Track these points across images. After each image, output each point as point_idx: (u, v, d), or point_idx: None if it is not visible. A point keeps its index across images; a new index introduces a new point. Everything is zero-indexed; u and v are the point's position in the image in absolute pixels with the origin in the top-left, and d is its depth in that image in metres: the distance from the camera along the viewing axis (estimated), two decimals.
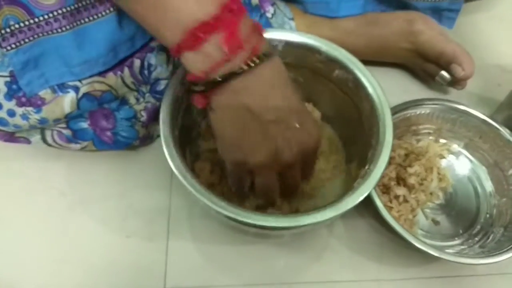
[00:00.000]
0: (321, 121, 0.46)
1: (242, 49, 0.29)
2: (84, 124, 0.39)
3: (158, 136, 0.46)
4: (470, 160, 0.48)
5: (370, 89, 0.38)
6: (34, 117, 0.35)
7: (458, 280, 0.42)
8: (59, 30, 0.33)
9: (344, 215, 0.34)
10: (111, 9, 0.34)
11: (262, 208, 0.40)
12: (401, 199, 0.44)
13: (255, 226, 0.32)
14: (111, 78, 0.37)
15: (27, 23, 0.32)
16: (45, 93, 0.35)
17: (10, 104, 0.35)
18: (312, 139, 0.34)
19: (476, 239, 0.44)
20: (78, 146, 0.40)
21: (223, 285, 0.41)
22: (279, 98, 0.32)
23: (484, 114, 0.46)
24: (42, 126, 0.37)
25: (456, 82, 0.50)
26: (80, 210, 0.43)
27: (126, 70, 0.37)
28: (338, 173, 0.44)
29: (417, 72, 0.54)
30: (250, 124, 0.32)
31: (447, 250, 0.41)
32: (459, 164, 0.48)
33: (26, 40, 0.33)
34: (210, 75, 0.30)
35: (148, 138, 0.44)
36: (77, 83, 0.35)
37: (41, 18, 0.32)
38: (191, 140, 0.42)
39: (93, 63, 0.35)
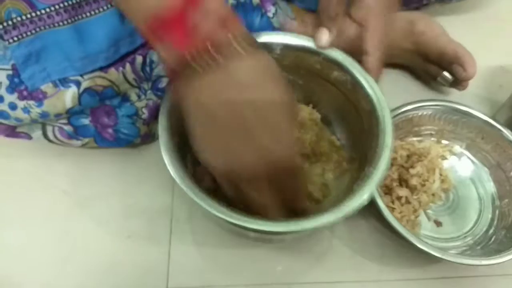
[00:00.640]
0: (321, 123, 0.45)
1: (200, 44, 0.27)
2: (86, 121, 0.39)
3: None
4: (472, 161, 0.48)
5: (368, 90, 0.38)
6: (36, 110, 0.35)
7: (460, 281, 0.42)
8: (61, 24, 0.34)
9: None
10: (113, 3, 0.34)
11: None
12: (403, 200, 0.43)
13: (255, 230, 0.31)
14: (113, 74, 0.37)
15: (29, 16, 0.33)
16: (46, 87, 0.35)
17: (12, 97, 0.35)
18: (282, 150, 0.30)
19: (478, 240, 0.43)
20: (79, 142, 0.40)
21: (225, 285, 0.40)
22: (258, 95, 0.28)
23: (486, 115, 0.46)
24: (43, 121, 0.37)
25: (457, 83, 0.50)
26: (82, 209, 0.43)
27: (128, 66, 0.38)
28: (341, 174, 0.43)
29: (418, 72, 0.54)
30: (210, 125, 0.29)
31: (449, 251, 0.40)
32: (461, 165, 0.48)
33: (28, 33, 0.33)
34: (181, 67, 0.28)
35: (149, 136, 0.44)
36: (79, 78, 0.35)
37: (43, 11, 0.33)
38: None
39: (95, 57, 0.35)
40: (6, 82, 0.34)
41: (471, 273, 0.42)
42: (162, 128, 0.34)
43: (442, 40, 0.48)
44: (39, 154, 0.45)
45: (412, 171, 0.44)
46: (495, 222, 0.44)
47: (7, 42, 0.33)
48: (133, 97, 0.40)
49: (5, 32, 0.32)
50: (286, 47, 0.39)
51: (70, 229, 0.42)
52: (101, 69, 0.36)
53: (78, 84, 0.35)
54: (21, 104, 0.35)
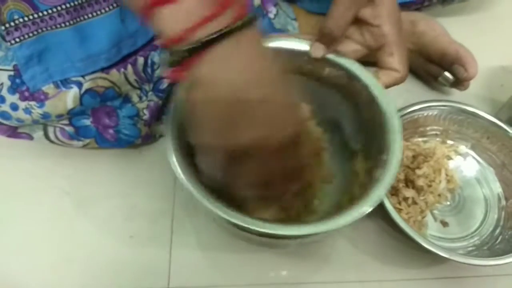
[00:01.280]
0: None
1: (230, 5, 0.24)
2: (87, 121, 0.39)
3: (161, 135, 0.46)
4: (478, 162, 0.47)
5: (365, 80, 0.37)
6: (37, 111, 0.35)
7: (463, 281, 0.42)
8: (63, 25, 0.34)
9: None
10: (114, 5, 0.35)
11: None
12: (410, 201, 0.43)
13: (259, 233, 0.31)
14: (114, 75, 0.37)
15: (31, 17, 0.33)
16: (48, 88, 0.35)
17: (13, 98, 0.35)
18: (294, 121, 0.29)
19: (485, 240, 0.43)
20: (80, 143, 0.40)
21: (227, 285, 0.40)
22: (265, 73, 0.26)
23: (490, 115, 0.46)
24: (44, 121, 0.37)
25: (458, 83, 0.50)
26: (84, 209, 0.43)
27: (129, 67, 0.38)
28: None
29: (419, 73, 0.54)
30: (236, 103, 0.26)
31: (456, 252, 0.40)
32: (467, 165, 0.47)
33: (30, 34, 0.33)
34: (190, 36, 0.24)
35: (150, 136, 0.44)
36: (80, 79, 0.35)
37: (45, 13, 0.33)
38: None
39: (96, 59, 0.35)
40: (7, 83, 0.35)
41: (475, 273, 0.42)
42: (168, 127, 0.33)
43: (443, 41, 0.48)
44: (41, 154, 0.45)
45: (418, 172, 0.44)
46: (502, 222, 0.44)
47: (9, 43, 0.33)
48: (135, 98, 0.40)
49: (7, 34, 0.32)
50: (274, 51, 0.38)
51: (71, 229, 0.42)
52: (103, 70, 0.36)
53: (79, 85, 0.35)
54: (22, 105, 0.35)
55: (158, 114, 0.42)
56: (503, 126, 0.45)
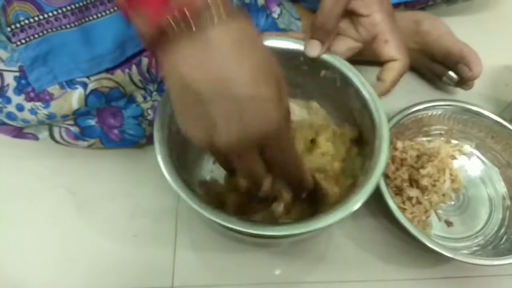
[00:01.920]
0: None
1: (176, 11, 0.24)
2: (92, 122, 0.39)
3: None
4: (482, 161, 0.47)
5: (359, 86, 0.37)
6: (43, 112, 0.35)
7: (467, 281, 0.42)
8: (68, 26, 0.34)
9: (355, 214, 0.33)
10: None
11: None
12: (414, 200, 0.43)
13: (250, 234, 0.31)
14: (119, 75, 0.37)
15: (36, 18, 0.33)
16: (53, 89, 0.35)
17: (19, 99, 0.35)
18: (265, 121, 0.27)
19: (490, 240, 0.43)
20: (85, 143, 0.40)
21: (231, 283, 0.40)
22: (234, 69, 0.25)
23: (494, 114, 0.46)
24: (50, 122, 0.37)
25: (463, 82, 0.49)
26: (88, 208, 0.43)
27: (134, 68, 0.38)
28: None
29: (424, 72, 0.54)
30: (188, 98, 0.26)
31: (461, 251, 0.40)
32: (471, 165, 0.47)
33: (36, 35, 0.33)
34: (157, 37, 0.25)
35: None
36: (85, 80, 0.36)
37: (50, 14, 0.33)
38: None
39: (101, 60, 0.36)
40: (13, 83, 0.35)
41: (479, 273, 0.42)
42: (158, 142, 0.33)
43: (447, 40, 0.48)
44: (46, 154, 0.45)
45: (423, 171, 0.44)
46: (506, 221, 0.44)
47: (14, 45, 0.33)
48: (139, 98, 0.40)
49: (13, 35, 0.33)
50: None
51: (76, 228, 0.42)
52: (107, 70, 0.36)
53: (84, 85, 0.36)
54: (28, 105, 0.35)
55: None
56: (507, 125, 0.45)
